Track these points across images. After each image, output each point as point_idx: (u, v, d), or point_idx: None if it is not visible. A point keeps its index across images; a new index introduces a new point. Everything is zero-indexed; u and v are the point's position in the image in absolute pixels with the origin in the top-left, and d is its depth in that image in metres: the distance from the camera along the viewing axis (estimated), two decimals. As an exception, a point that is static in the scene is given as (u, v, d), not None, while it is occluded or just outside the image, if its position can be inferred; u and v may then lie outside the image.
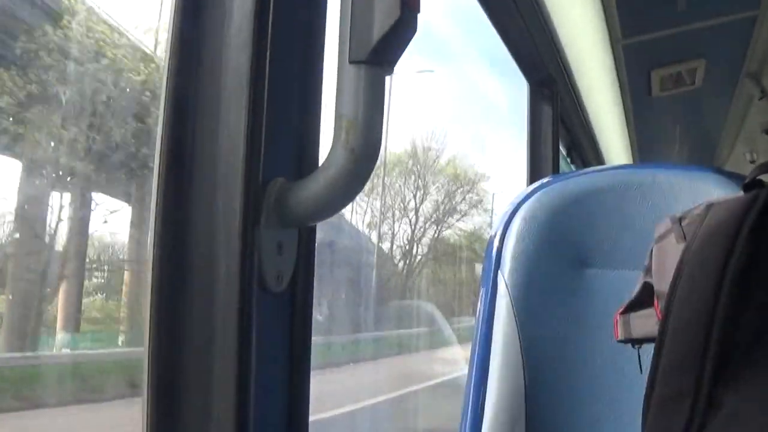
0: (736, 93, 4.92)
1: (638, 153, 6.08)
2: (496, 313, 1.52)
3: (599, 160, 5.68)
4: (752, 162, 6.19)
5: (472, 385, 1.52)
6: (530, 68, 3.74)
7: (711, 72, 4.54)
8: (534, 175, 3.68)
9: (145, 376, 1.11)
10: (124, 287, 5.78)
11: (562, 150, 4.56)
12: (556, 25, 3.48)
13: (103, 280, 6.14)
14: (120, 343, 5.62)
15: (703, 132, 6.11)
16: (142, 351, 1.11)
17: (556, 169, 3.78)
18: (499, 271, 1.54)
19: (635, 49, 4.05)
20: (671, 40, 4.07)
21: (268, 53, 1.14)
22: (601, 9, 3.58)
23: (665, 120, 5.58)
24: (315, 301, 1.24)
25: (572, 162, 5.01)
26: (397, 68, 1.13)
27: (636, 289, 1.15)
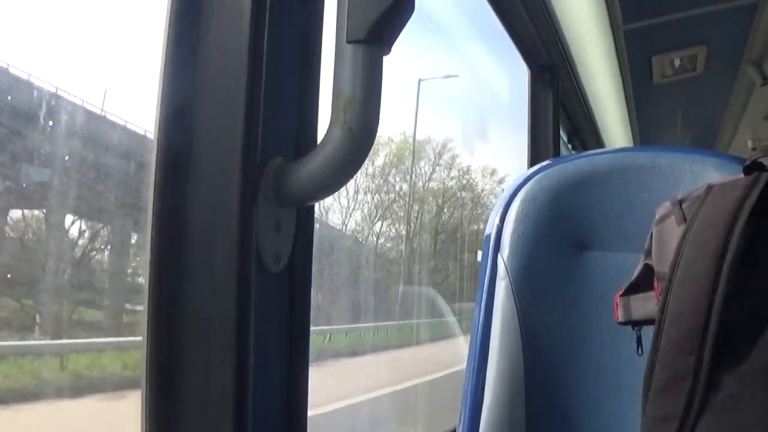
0: (737, 79, 4.93)
1: (639, 139, 6.08)
2: (495, 295, 1.52)
3: (600, 146, 5.68)
4: (754, 149, 6.19)
5: (473, 366, 1.52)
6: (531, 53, 3.74)
7: (712, 58, 4.55)
8: (534, 160, 3.68)
9: (143, 355, 1.11)
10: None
11: (563, 136, 4.57)
12: (557, 10, 3.49)
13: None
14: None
15: (704, 119, 6.11)
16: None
17: (556, 155, 3.79)
18: (498, 254, 1.54)
19: (636, 35, 4.05)
20: (672, 26, 4.07)
21: (266, 32, 1.14)
22: (603, -6, 3.59)
23: (667, 106, 5.59)
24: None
25: (573, 148, 5.01)
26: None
27: (636, 271, 1.15)
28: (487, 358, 1.50)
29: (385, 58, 1.13)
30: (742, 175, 1.03)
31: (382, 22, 1.08)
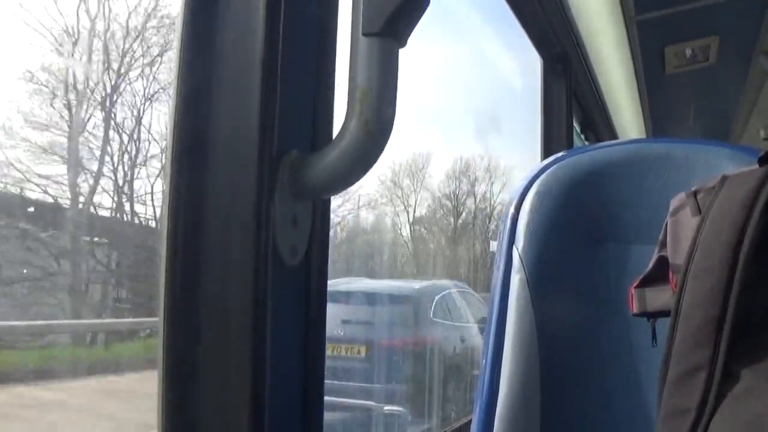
0: (750, 70, 4.92)
1: (652, 130, 6.09)
2: (510, 287, 1.52)
3: (613, 136, 5.68)
4: (767, 139, 6.20)
5: (488, 358, 1.52)
6: (544, 44, 3.74)
7: (725, 49, 4.55)
8: (547, 151, 3.69)
9: (160, 349, 1.11)
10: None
11: (576, 126, 4.57)
12: (570, 0, 3.48)
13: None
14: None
15: (716, 109, 6.11)
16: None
17: (570, 146, 3.79)
18: (513, 246, 1.53)
19: (649, 26, 4.05)
20: (685, 17, 4.07)
21: (281, 26, 1.14)
22: (616, -16, 3.59)
23: (679, 97, 5.59)
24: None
25: (586, 139, 5.01)
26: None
27: (651, 262, 1.15)
28: (502, 350, 1.50)
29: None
30: (757, 166, 1.03)
31: (397, 14, 1.08)
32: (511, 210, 1.57)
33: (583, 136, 4.95)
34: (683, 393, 0.93)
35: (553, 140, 3.73)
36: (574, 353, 1.51)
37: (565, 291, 1.53)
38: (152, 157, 3.93)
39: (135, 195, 4.00)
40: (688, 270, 0.96)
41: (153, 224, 4.08)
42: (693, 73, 4.81)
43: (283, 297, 1.16)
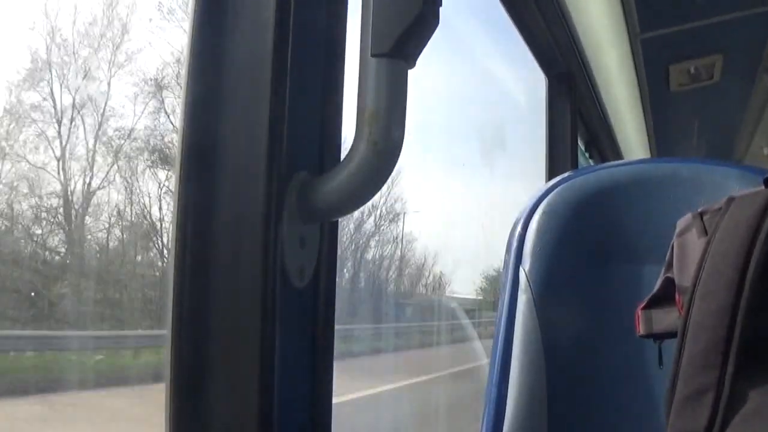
0: (754, 88, 4.92)
1: (656, 148, 6.09)
2: (517, 306, 1.52)
3: (617, 155, 5.67)
4: (771, 157, 6.19)
5: (494, 378, 1.51)
6: (549, 62, 3.73)
7: (729, 67, 4.55)
8: (552, 170, 3.68)
9: (167, 371, 1.11)
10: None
11: (581, 145, 4.56)
12: (574, 19, 3.49)
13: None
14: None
15: (721, 127, 6.10)
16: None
17: (574, 164, 3.78)
18: (520, 266, 1.54)
19: (653, 44, 4.06)
20: (689, 35, 4.07)
21: (289, 47, 1.14)
22: (620, 3, 3.59)
23: (683, 115, 5.59)
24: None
25: (590, 157, 5.00)
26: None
27: (657, 283, 1.15)
28: (509, 370, 1.50)
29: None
30: (762, 187, 1.03)
31: (406, 36, 1.08)
32: (518, 230, 1.57)
33: (587, 154, 4.94)
34: (691, 414, 0.93)
35: (558, 159, 3.72)
36: (581, 373, 1.51)
37: (572, 311, 1.53)
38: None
39: None
40: (694, 291, 0.96)
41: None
42: (697, 91, 4.81)
43: (291, 318, 1.16)
